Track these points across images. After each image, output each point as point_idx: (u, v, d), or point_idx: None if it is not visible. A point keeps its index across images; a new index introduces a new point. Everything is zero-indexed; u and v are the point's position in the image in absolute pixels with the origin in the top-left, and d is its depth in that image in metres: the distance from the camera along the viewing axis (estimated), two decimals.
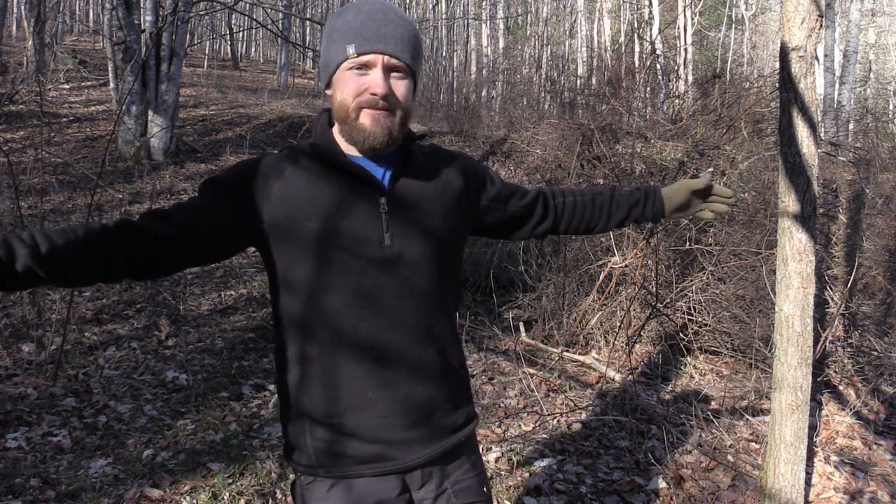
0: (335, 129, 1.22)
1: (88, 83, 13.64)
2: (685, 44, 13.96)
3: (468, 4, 23.51)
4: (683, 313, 4.16)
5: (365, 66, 1.13)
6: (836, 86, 11.52)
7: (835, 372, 3.82)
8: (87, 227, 1.10)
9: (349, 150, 1.20)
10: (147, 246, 1.13)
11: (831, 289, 4.40)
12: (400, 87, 1.16)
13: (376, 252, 1.15)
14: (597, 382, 3.76)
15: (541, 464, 2.93)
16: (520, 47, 21.00)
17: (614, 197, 1.48)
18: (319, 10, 27.93)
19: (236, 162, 1.24)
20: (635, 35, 16.60)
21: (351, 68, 1.14)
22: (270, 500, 2.60)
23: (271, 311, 1.24)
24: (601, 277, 4.17)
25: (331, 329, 1.15)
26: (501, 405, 3.51)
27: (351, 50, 1.12)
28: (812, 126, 2.15)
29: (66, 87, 13.17)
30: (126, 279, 1.16)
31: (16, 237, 1.04)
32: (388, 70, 1.14)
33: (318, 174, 1.17)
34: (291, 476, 2.73)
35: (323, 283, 1.15)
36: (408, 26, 1.17)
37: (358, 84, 1.13)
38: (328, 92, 1.20)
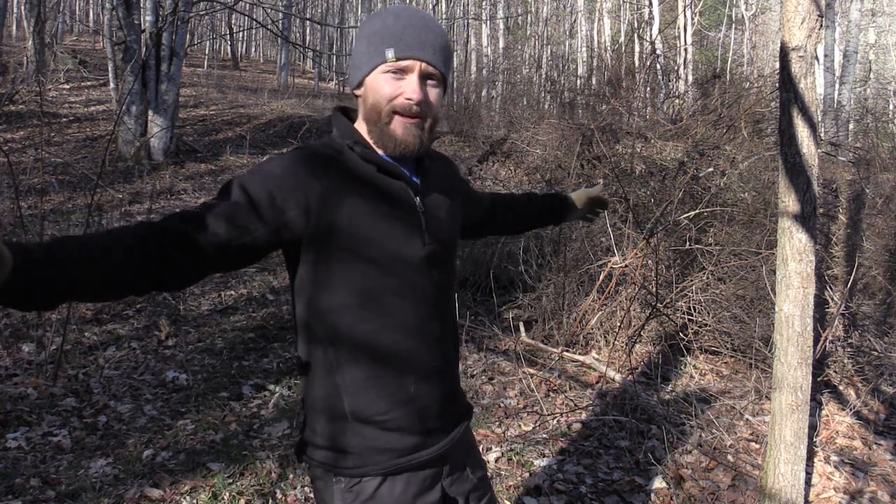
0: (362, 130, 1.21)
1: (88, 83, 13.65)
2: (685, 44, 13.95)
3: (468, 4, 23.51)
4: (683, 313, 4.16)
5: (401, 71, 1.14)
6: (836, 86, 11.52)
7: (835, 372, 3.82)
8: (112, 240, 0.96)
9: (378, 150, 1.20)
10: (191, 250, 1.02)
11: (831, 289, 4.40)
12: (433, 94, 1.18)
13: (420, 251, 1.19)
14: (597, 382, 3.76)
15: (541, 464, 2.93)
16: (520, 47, 21.01)
17: (534, 201, 1.66)
18: (319, 10, 27.95)
19: (268, 160, 1.14)
20: (635, 35, 16.60)
21: (387, 72, 1.14)
22: (270, 500, 2.60)
23: (301, 316, 1.19)
24: (601, 277, 4.17)
25: (379, 326, 1.17)
26: (501, 405, 3.51)
27: (390, 54, 1.13)
28: (812, 126, 2.15)
29: (66, 87, 13.17)
30: (155, 290, 1.04)
31: (58, 245, 0.90)
32: (423, 77, 1.16)
33: (361, 174, 1.16)
34: (290, 477, 2.73)
35: (375, 281, 1.15)
36: (443, 36, 1.19)
37: (393, 88, 1.14)
38: (358, 92, 1.20)
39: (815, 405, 3.41)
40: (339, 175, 1.14)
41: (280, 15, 18.66)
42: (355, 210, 1.13)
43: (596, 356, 4.08)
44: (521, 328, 4.39)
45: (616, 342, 4.07)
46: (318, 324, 1.17)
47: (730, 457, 3.02)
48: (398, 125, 1.15)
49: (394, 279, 1.16)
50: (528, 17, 23.35)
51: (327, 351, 1.17)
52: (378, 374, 1.17)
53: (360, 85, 1.19)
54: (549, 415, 3.38)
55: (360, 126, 1.22)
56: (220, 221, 1.04)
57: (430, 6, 23.69)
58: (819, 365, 3.66)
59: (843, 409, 3.47)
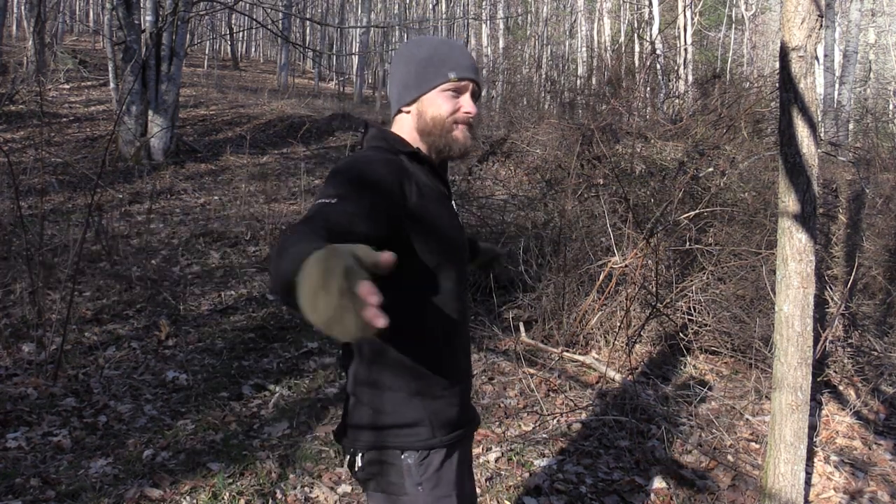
0: (412, 140, 1.37)
1: (88, 83, 13.65)
2: (685, 44, 13.95)
3: (468, 4, 23.51)
4: (683, 313, 4.15)
5: (457, 91, 1.35)
6: (836, 86, 11.51)
7: (835, 372, 3.82)
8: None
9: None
10: None
11: (831, 289, 4.40)
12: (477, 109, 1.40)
13: (464, 245, 1.40)
14: (597, 382, 3.76)
15: (541, 464, 2.93)
16: (520, 47, 21.00)
17: None
18: (319, 10, 27.93)
19: (359, 159, 1.26)
20: (635, 35, 16.60)
21: (446, 90, 1.34)
22: (270, 500, 2.60)
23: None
24: (601, 277, 4.17)
25: (447, 310, 1.32)
26: (501, 405, 3.51)
27: (452, 75, 1.33)
28: (812, 126, 2.15)
29: (66, 87, 13.17)
30: None
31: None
32: (472, 94, 1.37)
33: (423, 177, 1.32)
34: (290, 477, 2.73)
35: (446, 270, 1.31)
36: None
37: (453, 104, 1.34)
38: (407, 109, 1.37)
39: (815, 405, 3.41)
40: (418, 177, 1.30)
41: (280, 15, 18.65)
42: (429, 208, 1.28)
43: (596, 356, 4.08)
44: (521, 328, 4.39)
45: (616, 342, 4.07)
46: (390, 308, 1.21)
47: (730, 457, 3.02)
48: (460, 133, 1.35)
49: (455, 267, 1.33)
50: (528, 17, 23.35)
51: (399, 333, 1.23)
52: (442, 353, 1.31)
53: (412, 102, 1.36)
54: (549, 415, 3.38)
55: (409, 137, 1.37)
56: (359, 220, 1.11)
57: (431, 6, 23.69)
58: (819, 365, 3.66)
59: (843, 409, 3.47)
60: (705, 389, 3.68)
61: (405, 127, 1.37)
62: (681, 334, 4.05)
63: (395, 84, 1.38)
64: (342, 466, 2.88)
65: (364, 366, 1.30)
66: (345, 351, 1.36)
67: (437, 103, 1.33)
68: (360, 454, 1.29)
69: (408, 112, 1.36)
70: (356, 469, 1.30)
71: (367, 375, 1.30)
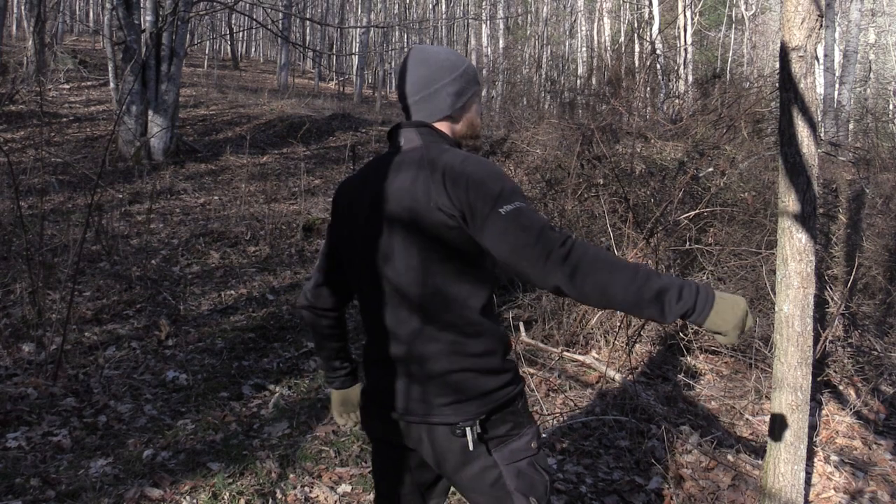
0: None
1: (88, 83, 13.65)
2: (685, 44, 13.96)
3: (468, 4, 23.53)
4: None
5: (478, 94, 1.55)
6: (836, 86, 11.51)
7: (835, 372, 3.82)
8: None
9: None
10: None
11: (831, 289, 4.39)
12: None
13: None
14: (597, 382, 3.76)
15: None
16: (520, 47, 21.00)
17: None
18: (319, 10, 27.94)
19: (493, 164, 1.41)
20: (635, 35, 16.60)
21: (478, 97, 1.54)
22: (270, 500, 2.60)
23: (469, 291, 1.41)
24: None
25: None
26: None
27: (477, 84, 1.54)
28: (812, 126, 2.15)
29: (66, 87, 13.17)
30: None
31: None
32: None
33: None
34: (290, 476, 2.73)
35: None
36: None
37: (480, 110, 1.56)
38: (456, 115, 1.49)
39: (815, 405, 3.41)
40: None
41: (280, 15, 18.66)
42: None
43: (596, 356, 4.08)
44: (521, 328, 4.39)
45: (616, 342, 4.07)
46: (487, 291, 1.44)
47: (730, 457, 3.02)
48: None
49: None
50: (528, 17, 23.35)
51: (492, 313, 1.48)
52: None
53: (463, 108, 1.50)
54: (549, 415, 3.38)
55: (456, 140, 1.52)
56: None
57: (431, 6, 23.70)
58: (819, 365, 3.66)
59: (843, 409, 3.47)
60: (705, 389, 3.68)
61: (454, 130, 1.51)
62: (681, 334, 4.05)
63: (443, 92, 1.46)
64: (342, 466, 2.88)
65: (471, 343, 1.41)
66: (416, 337, 1.41)
67: (475, 109, 1.53)
68: (478, 422, 1.38)
69: (452, 118, 1.49)
70: (477, 435, 1.38)
71: (478, 348, 1.42)
